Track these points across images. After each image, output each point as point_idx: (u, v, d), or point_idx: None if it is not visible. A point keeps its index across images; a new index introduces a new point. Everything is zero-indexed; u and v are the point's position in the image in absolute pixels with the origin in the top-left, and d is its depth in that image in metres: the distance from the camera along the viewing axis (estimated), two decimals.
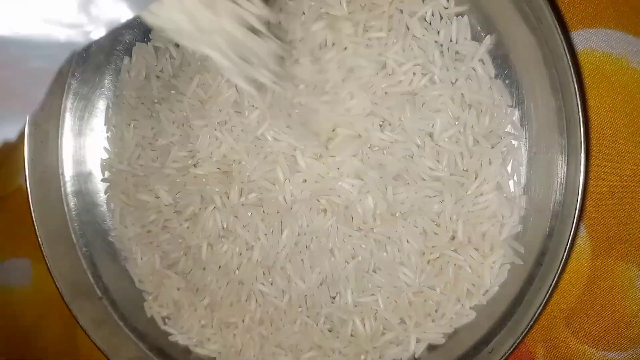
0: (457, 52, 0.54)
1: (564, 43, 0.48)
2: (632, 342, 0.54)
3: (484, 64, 0.54)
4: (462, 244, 0.55)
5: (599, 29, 0.55)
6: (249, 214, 0.58)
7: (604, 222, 0.55)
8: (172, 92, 0.61)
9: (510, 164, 0.55)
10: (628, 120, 0.54)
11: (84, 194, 0.66)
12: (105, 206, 0.66)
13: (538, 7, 0.49)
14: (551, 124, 0.53)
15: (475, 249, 0.55)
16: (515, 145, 0.55)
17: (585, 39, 0.55)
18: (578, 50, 0.55)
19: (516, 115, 0.54)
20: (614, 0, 0.54)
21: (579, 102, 0.48)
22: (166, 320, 0.64)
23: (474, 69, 0.54)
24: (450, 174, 0.54)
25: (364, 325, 0.57)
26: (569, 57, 0.48)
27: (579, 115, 0.48)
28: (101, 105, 0.66)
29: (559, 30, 0.48)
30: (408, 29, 0.54)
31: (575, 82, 0.48)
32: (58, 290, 0.61)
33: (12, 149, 0.72)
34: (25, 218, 0.70)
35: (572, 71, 0.48)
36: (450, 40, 0.54)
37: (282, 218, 0.57)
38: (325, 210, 0.56)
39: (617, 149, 0.54)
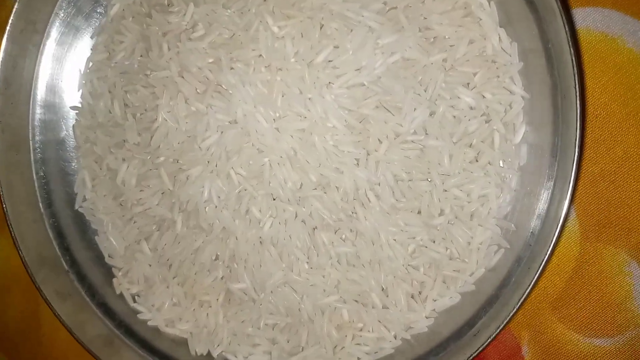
0: None
1: (564, 19, 0.47)
2: (619, 328, 0.53)
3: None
4: (450, 223, 0.53)
5: (596, 7, 0.54)
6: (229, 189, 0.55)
7: (594, 205, 0.53)
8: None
9: (499, 142, 0.53)
10: (622, 101, 0.53)
11: (54, 161, 0.62)
12: (76, 175, 0.62)
13: None
14: (544, 102, 0.51)
15: (462, 229, 0.53)
16: (507, 124, 0.53)
17: (582, 18, 0.54)
18: (575, 28, 0.54)
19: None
20: None
21: (576, 79, 0.46)
22: (136, 297, 0.61)
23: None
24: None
25: (344, 312, 0.55)
26: (568, 34, 0.46)
27: (575, 93, 0.46)
28: (76, 69, 0.62)
29: (560, 6, 0.47)
30: None
31: (574, 60, 0.46)
32: (22, 260, 0.57)
33: None
34: None
35: (571, 49, 0.46)
36: None
37: (265, 200, 0.54)
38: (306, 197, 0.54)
39: (609, 130, 0.53)
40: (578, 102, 0.47)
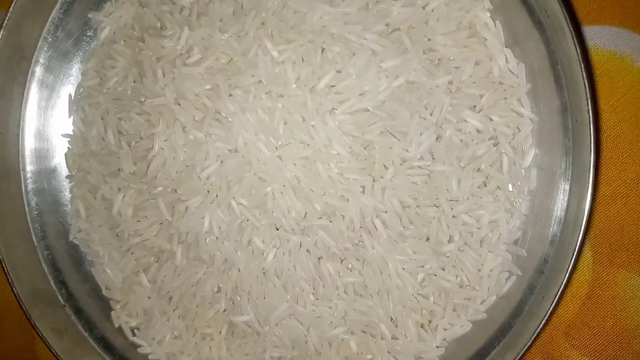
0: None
1: (574, 38, 0.45)
2: (635, 355, 0.51)
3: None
4: (459, 250, 0.52)
5: (603, 26, 0.52)
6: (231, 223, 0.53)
7: (606, 228, 0.52)
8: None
9: (508, 166, 0.51)
10: (633, 122, 0.52)
11: (46, 192, 0.60)
12: (69, 205, 0.60)
13: (550, 2, 0.46)
14: (554, 124, 0.50)
15: (472, 256, 0.52)
16: (515, 147, 0.51)
17: (590, 37, 0.52)
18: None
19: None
20: None
21: (589, 101, 0.45)
22: (135, 331, 0.59)
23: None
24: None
25: (352, 344, 0.54)
26: (580, 53, 0.45)
27: (588, 113, 0.45)
28: (68, 96, 0.60)
29: (570, 25, 0.45)
30: None
31: (586, 79, 0.45)
32: (16, 296, 0.55)
33: None
34: None
35: (583, 68, 0.45)
36: None
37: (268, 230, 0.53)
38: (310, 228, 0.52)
39: (621, 152, 0.52)
40: (592, 123, 0.45)
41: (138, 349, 0.58)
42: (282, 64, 0.51)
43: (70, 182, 0.60)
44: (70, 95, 0.60)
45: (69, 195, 0.60)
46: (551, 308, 0.46)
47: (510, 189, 0.52)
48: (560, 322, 0.53)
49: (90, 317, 0.59)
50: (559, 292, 0.46)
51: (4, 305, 0.65)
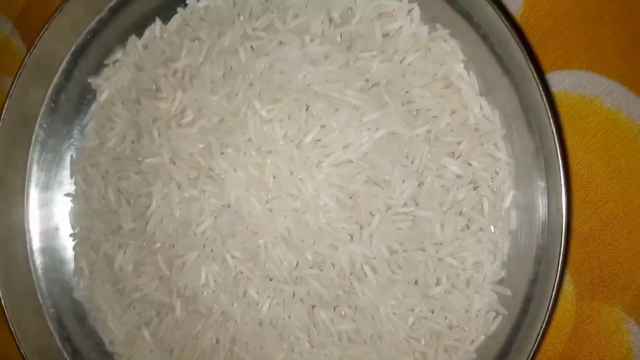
0: None
1: (539, 86, 0.48)
2: None
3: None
4: (447, 292, 0.54)
5: (571, 70, 0.55)
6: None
7: (587, 265, 0.54)
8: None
9: (488, 209, 0.54)
10: (604, 160, 0.54)
11: (50, 250, 0.63)
12: (73, 263, 0.63)
13: (511, 48, 0.49)
14: (530, 166, 0.52)
15: (459, 297, 0.54)
16: (494, 190, 0.54)
17: (559, 81, 0.55)
18: (552, 91, 0.55)
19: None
20: (584, 42, 0.55)
21: (557, 143, 0.47)
22: None
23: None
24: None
25: None
26: (545, 99, 0.48)
27: (557, 157, 0.47)
28: (70, 157, 0.63)
29: (534, 73, 0.48)
30: None
31: (553, 124, 0.47)
32: (22, 355, 0.57)
33: None
34: None
35: (549, 113, 0.47)
36: None
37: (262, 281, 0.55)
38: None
39: (595, 190, 0.54)
40: (560, 162, 0.47)
41: None
42: (270, 122, 0.54)
43: (73, 240, 0.63)
44: (72, 156, 0.63)
45: (72, 253, 0.63)
46: (535, 344, 0.48)
47: (492, 230, 0.54)
48: (548, 358, 0.54)
49: None
50: (542, 329, 0.48)
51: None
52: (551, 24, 0.55)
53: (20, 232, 0.62)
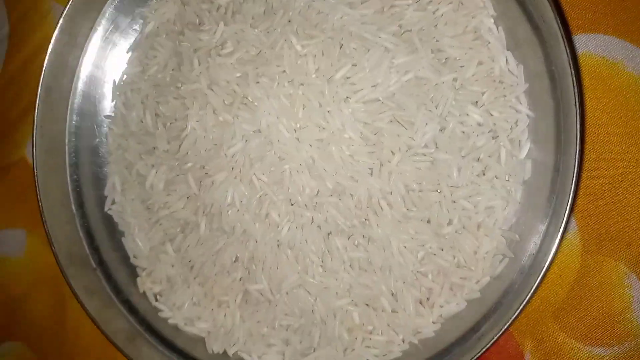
0: None
1: (566, 45, 0.50)
2: (618, 338, 0.55)
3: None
4: (457, 233, 0.56)
5: (597, 34, 0.57)
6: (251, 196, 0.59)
7: (595, 220, 0.56)
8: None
9: (505, 158, 0.56)
10: (622, 122, 0.56)
11: (87, 166, 0.67)
12: (107, 180, 0.66)
13: (542, 6, 0.51)
14: (548, 121, 0.54)
15: (469, 238, 0.56)
16: (512, 140, 0.56)
17: (584, 43, 0.57)
18: (577, 52, 0.57)
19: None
20: (612, 8, 0.57)
21: (576, 100, 0.49)
22: (158, 296, 0.64)
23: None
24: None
25: (355, 315, 0.58)
26: (570, 58, 0.50)
27: (576, 114, 0.49)
28: (111, 81, 0.67)
29: (562, 33, 0.50)
30: None
31: (574, 82, 0.49)
32: (55, 256, 0.61)
33: (21, 117, 0.73)
34: (24, 190, 0.71)
35: (573, 72, 0.49)
36: None
37: (284, 205, 0.58)
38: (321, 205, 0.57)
39: (610, 149, 0.56)
40: (578, 120, 0.50)
41: (159, 314, 0.64)
42: (304, 56, 0.57)
43: (108, 159, 0.67)
44: (114, 81, 0.67)
45: (107, 170, 0.67)
46: (534, 286, 0.50)
47: (507, 179, 0.56)
48: (550, 305, 0.57)
49: (118, 281, 0.65)
50: (542, 273, 0.50)
51: (42, 270, 0.71)
52: None
53: (61, 145, 0.66)
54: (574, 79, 0.50)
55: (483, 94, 0.56)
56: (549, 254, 0.51)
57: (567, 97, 0.51)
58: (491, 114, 0.56)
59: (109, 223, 0.66)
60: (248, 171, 0.58)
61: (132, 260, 0.65)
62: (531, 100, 0.56)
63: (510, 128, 0.56)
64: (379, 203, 0.56)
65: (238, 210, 0.59)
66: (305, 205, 0.57)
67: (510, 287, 0.55)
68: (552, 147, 0.54)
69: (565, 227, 0.50)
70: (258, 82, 0.58)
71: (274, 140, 0.57)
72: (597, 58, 0.57)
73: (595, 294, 0.56)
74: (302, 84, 0.57)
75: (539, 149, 0.56)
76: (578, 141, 0.50)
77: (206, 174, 0.60)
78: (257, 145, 0.57)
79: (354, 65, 0.56)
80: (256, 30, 0.59)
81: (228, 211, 0.59)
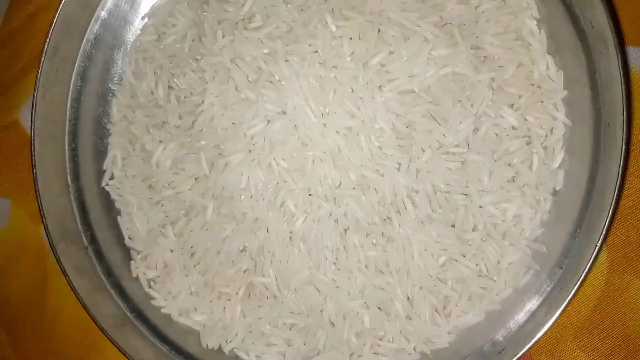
0: None
1: (618, 54, 0.47)
2: None
3: None
4: (482, 240, 0.53)
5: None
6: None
7: (624, 238, 0.54)
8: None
9: (537, 165, 0.54)
10: None
11: (87, 136, 0.62)
12: (107, 152, 0.62)
13: (593, 10, 0.49)
14: (584, 132, 0.52)
15: (493, 247, 0.53)
16: (547, 148, 0.54)
17: (632, 57, 0.55)
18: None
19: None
20: None
21: (624, 115, 0.47)
22: (152, 283, 0.60)
23: None
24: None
25: (365, 319, 0.55)
26: (621, 69, 0.47)
27: (622, 129, 0.47)
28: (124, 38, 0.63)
29: (616, 41, 0.47)
30: None
31: (624, 96, 0.47)
32: (45, 228, 0.56)
33: (18, 78, 0.68)
34: (14, 155, 0.66)
35: (623, 84, 0.47)
36: None
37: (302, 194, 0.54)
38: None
39: None
40: (624, 133, 0.47)
41: (152, 301, 0.59)
42: (339, 38, 0.53)
43: (111, 130, 0.62)
44: (126, 48, 0.62)
45: (108, 143, 0.62)
46: (561, 309, 0.48)
47: (537, 188, 0.54)
48: (571, 323, 0.54)
49: (110, 263, 0.60)
50: (570, 296, 0.47)
51: (25, 243, 0.65)
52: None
53: (62, 110, 0.61)
54: (624, 88, 0.48)
55: (520, 97, 0.54)
56: (578, 275, 0.48)
57: (612, 108, 0.49)
58: (526, 119, 0.54)
59: (106, 199, 0.61)
60: (267, 155, 0.54)
61: (126, 241, 0.61)
62: (569, 108, 0.54)
63: (545, 135, 0.54)
64: (403, 201, 0.53)
65: (252, 196, 0.55)
66: (325, 197, 0.53)
67: (533, 303, 0.52)
68: (587, 158, 0.52)
69: (601, 246, 0.48)
70: (287, 60, 0.54)
71: (299, 124, 0.53)
72: (637, 72, 0.55)
73: (619, 315, 0.53)
74: (334, 67, 0.53)
75: (572, 160, 0.54)
76: (622, 154, 0.48)
77: (220, 154, 0.56)
78: (280, 127, 0.54)
79: (391, 52, 0.53)
80: (289, 5, 0.56)
81: (241, 196, 0.55)
